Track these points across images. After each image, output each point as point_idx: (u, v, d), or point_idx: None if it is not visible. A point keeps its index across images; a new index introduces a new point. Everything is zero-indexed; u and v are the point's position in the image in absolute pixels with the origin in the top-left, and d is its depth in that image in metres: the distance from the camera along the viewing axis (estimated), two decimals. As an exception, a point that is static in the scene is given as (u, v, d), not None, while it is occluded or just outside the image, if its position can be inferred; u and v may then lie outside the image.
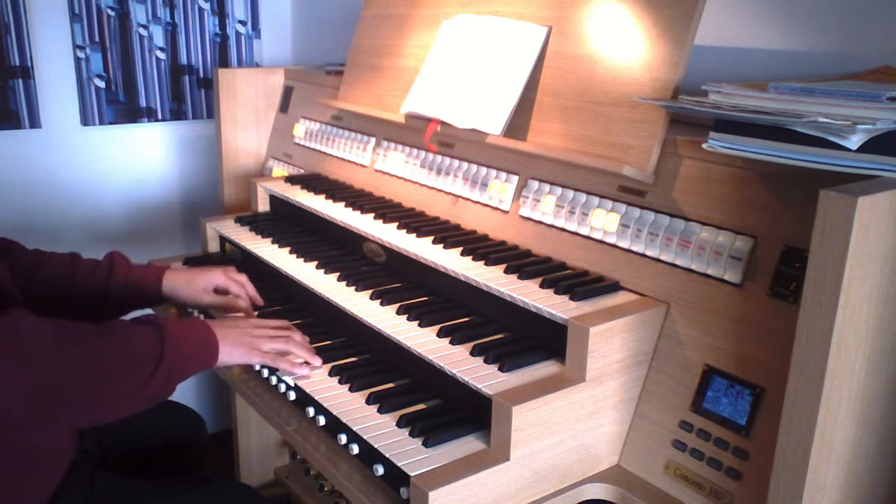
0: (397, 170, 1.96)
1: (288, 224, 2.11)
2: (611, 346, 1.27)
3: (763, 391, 1.19)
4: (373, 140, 2.08)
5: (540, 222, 1.58)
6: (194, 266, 2.03)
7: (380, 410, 1.35)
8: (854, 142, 1.03)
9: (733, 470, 1.21)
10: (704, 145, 1.19)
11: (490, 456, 1.21)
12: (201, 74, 2.76)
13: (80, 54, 2.50)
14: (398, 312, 1.52)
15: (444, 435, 1.26)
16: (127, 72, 2.60)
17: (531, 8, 1.66)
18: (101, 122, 2.59)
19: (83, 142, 2.60)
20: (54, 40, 2.46)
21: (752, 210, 1.24)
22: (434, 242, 1.64)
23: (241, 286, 1.73)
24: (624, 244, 1.41)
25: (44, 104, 2.48)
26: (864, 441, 1.12)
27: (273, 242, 1.95)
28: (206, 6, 2.71)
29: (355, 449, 1.30)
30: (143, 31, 2.60)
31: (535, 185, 1.60)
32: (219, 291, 1.73)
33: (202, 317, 1.77)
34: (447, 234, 1.67)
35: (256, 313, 1.72)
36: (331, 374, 1.48)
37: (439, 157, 1.84)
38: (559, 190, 1.55)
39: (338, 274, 1.71)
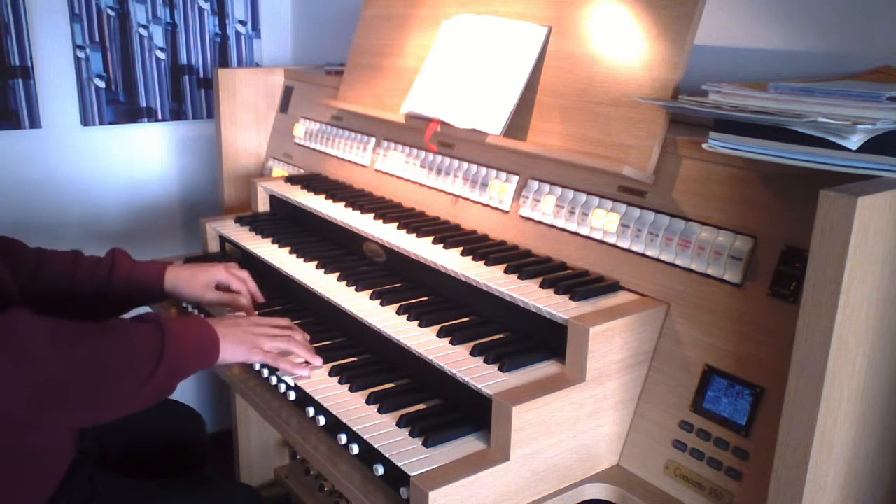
0: (397, 170, 1.96)
1: (288, 224, 2.11)
2: (611, 346, 1.27)
3: (763, 391, 1.19)
4: (373, 140, 2.08)
5: (540, 222, 1.58)
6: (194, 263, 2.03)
7: (380, 410, 1.35)
8: (854, 142, 1.03)
9: (733, 470, 1.21)
10: (704, 145, 1.19)
11: (490, 456, 1.21)
12: (201, 74, 2.76)
13: (80, 54, 2.50)
14: (398, 312, 1.52)
15: (444, 435, 1.26)
16: (127, 72, 2.60)
17: (531, 8, 1.66)
18: (101, 122, 2.59)
19: (83, 142, 2.60)
20: (54, 40, 2.46)
21: (752, 210, 1.24)
22: (434, 242, 1.64)
23: (242, 282, 1.73)
24: (624, 244, 1.41)
25: (44, 104, 2.48)
26: (864, 441, 1.12)
27: (273, 242, 1.95)
28: (206, 6, 2.71)
29: (355, 449, 1.30)
30: (143, 31, 2.60)
31: (535, 185, 1.60)
32: (220, 288, 1.73)
33: (202, 315, 1.77)
34: (447, 234, 1.67)
35: (256, 312, 1.72)
36: (331, 374, 1.48)
37: (439, 157, 1.84)
38: (559, 190, 1.55)
39: (338, 274, 1.71)
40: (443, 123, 1.73)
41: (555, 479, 1.27)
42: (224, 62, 2.80)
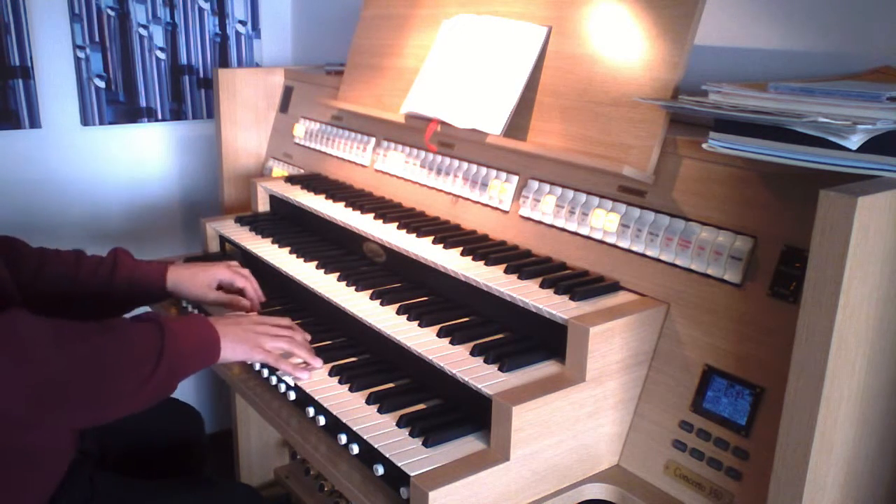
0: (397, 170, 1.96)
1: (288, 224, 2.11)
2: (611, 346, 1.27)
3: (763, 391, 1.19)
4: (373, 140, 2.08)
5: (540, 222, 1.58)
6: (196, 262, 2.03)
7: (380, 410, 1.35)
8: (854, 142, 1.03)
9: (733, 470, 1.21)
10: (704, 145, 1.19)
11: (490, 456, 1.21)
12: (201, 74, 2.76)
13: (80, 54, 2.50)
14: (398, 312, 1.52)
15: (444, 435, 1.26)
16: (127, 72, 2.60)
17: (531, 8, 1.66)
18: (101, 122, 2.59)
19: (83, 142, 2.60)
20: (54, 40, 2.46)
21: (752, 210, 1.24)
22: (434, 242, 1.64)
23: (246, 279, 1.74)
24: (624, 244, 1.41)
25: (44, 104, 2.48)
26: (864, 441, 1.12)
27: (273, 242, 1.95)
28: (206, 6, 2.71)
29: (355, 449, 1.30)
30: (143, 31, 2.60)
31: (535, 185, 1.60)
32: (222, 287, 1.73)
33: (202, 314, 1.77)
34: (447, 234, 1.67)
35: (254, 312, 1.72)
36: (331, 374, 1.48)
37: (439, 157, 1.84)
38: (559, 190, 1.55)
39: (338, 274, 1.71)
40: (443, 123, 1.73)
41: (555, 479, 1.27)
42: (224, 62, 2.80)
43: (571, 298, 1.35)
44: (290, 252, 1.87)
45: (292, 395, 1.47)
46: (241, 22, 2.81)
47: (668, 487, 1.28)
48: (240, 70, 2.50)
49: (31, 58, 2.40)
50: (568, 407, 1.24)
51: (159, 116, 2.70)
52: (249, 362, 1.57)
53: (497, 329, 1.46)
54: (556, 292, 1.38)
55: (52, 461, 1.36)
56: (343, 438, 1.32)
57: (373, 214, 1.83)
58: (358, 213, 1.86)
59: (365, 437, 1.27)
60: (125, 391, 1.25)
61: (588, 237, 1.48)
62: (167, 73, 2.68)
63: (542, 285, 1.41)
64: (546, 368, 1.31)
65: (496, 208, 1.68)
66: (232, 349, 1.40)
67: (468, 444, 1.25)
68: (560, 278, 1.42)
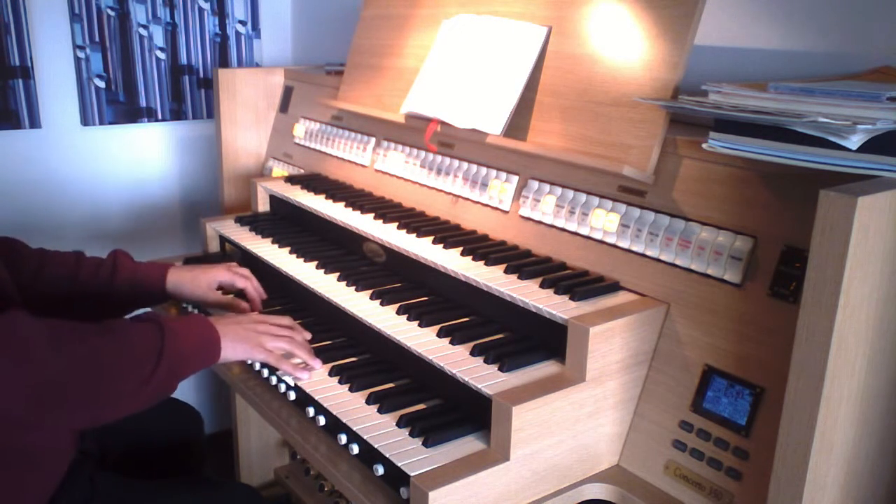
0: (397, 170, 1.96)
1: (288, 224, 2.11)
2: (611, 346, 1.27)
3: (763, 391, 1.19)
4: (373, 140, 2.08)
5: (540, 222, 1.58)
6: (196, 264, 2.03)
7: (380, 410, 1.35)
8: (854, 142, 1.03)
9: (733, 470, 1.21)
10: (704, 145, 1.19)
11: (490, 456, 1.21)
12: (201, 74, 2.76)
13: (80, 54, 2.50)
14: (398, 312, 1.52)
15: (444, 435, 1.26)
16: (127, 72, 2.60)
17: (531, 8, 1.66)
18: (101, 122, 2.59)
19: (83, 142, 2.60)
20: (54, 40, 2.46)
21: (752, 210, 1.24)
22: (434, 242, 1.64)
23: (246, 279, 1.74)
24: (624, 244, 1.41)
25: (44, 104, 2.48)
26: (864, 441, 1.12)
27: (273, 242, 1.95)
28: (206, 6, 2.71)
29: (355, 449, 1.30)
30: (143, 31, 2.60)
31: (535, 185, 1.60)
32: (221, 288, 1.73)
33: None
34: (447, 234, 1.67)
35: (256, 312, 1.72)
36: (331, 374, 1.48)
37: (439, 157, 1.84)
38: (559, 190, 1.55)
39: (338, 274, 1.71)
40: (443, 123, 1.73)
41: (555, 479, 1.27)
42: (224, 62, 2.80)
43: (571, 298, 1.35)
44: (290, 252, 1.87)
45: (292, 395, 1.47)
46: (241, 22, 2.81)
47: (668, 487, 1.28)
48: (240, 70, 2.50)
49: (31, 58, 2.40)
50: (568, 407, 1.24)
51: (159, 116, 2.70)
52: (250, 362, 1.57)
53: (497, 329, 1.46)
54: (556, 292, 1.38)
55: (53, 461, 1.36)
56: (343, 438, 1.32)
57: (373, 214, 1.83)
58: (358, 213, 1.86)
59: (365, 437, 1.27)
60: (125, 391, 1.25)
61: (588, 237, 1.48)
62: (167, 73, 2.68)
63: (542, 285, 1.41)
64: (546, 368, 1.31)
65: (496, 208, 1.68)
66: (233, 349, 1.40)
67: (468, 444, 1.25)
68: (560, 278, 1.42)
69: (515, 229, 1.63)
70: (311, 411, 1.42)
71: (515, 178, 1.65)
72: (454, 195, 1.79)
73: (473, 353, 1.35)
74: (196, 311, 1.83)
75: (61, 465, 1.38)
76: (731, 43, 1.63)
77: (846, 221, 0.92)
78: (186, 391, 2.94)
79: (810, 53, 1.51)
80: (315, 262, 1.79)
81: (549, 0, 1.62)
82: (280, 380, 1.49)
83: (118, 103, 2.61)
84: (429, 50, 1.84)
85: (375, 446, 1.25)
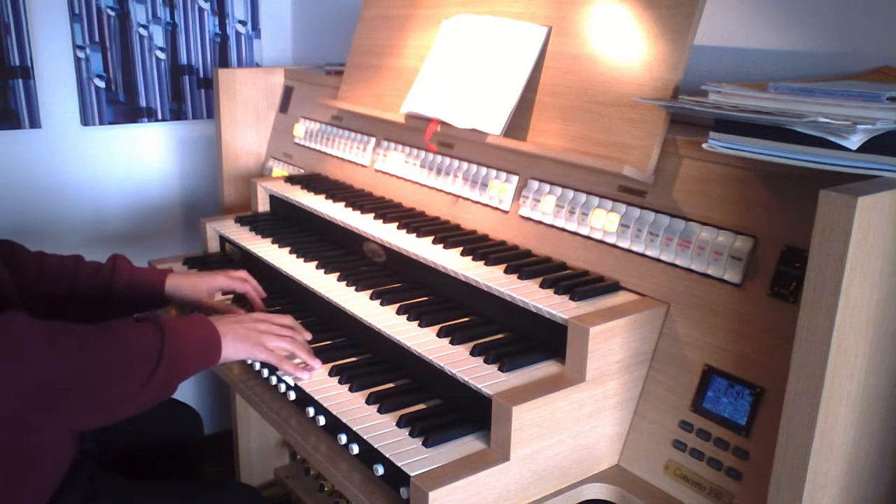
0: (397, 170, 1.96)
1: (288, 224, 2.11)
2: (611, 346, 1.27)
3: (763, 391, 1.19)
4: (373, 140, 2.08)
5: (540, 222, 1.58)
6: (195, 267, 2.04)
7: (380, 410, 1.35)
8: (854, 142, 1.03)
9: (733, 470, 1.21)
10: (704, 145, 1.19)
11: (490, 456, 1.21)
12: (201, 74, 2.76)
13: (80, 54, 2.50)
14: (398, 312, 1.52)
15: (444, 435, 1.26)
16: (127, 72, 2.60)
17: (531, 8, 1.66)
18: (101, 122, 2.59)
19: (83, 142, 2.60)
20: (54, 40, 2.46)
21: (752, 210, 1.24)
22: (434, 242, 1.64)
23: (244, 282, 1.75)
24: (624, 244, 1.41)
25: (44, 104, 2.48)
26: (864, 441, 1.12)
27: (273, 242, 1.95)
28: (206, 6, 2.71)
29: (355, 449, 1.30)
30: (143, 31, 2.60)
31: (535, 185, 1.60)
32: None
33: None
34: (447, 234, 1.67)
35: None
36: (331, 374, 1.48)
37: (439, 157, 1.84)
38: (559, 190, 1.55)
39: (338, 274, 1.71)
40: (443, 123, 1.73)
41: (555, 479, 1.27)
42: (224, 62, 2.80)
43: (571, 298, 1.35)
44: (290, 252, 1.87)
45: (292, 395, 1.47)
46: (241, 22, 2.81)
47: (668, 487, 1.28)
48: (240, 70, 2.50)
49: (31, 58, 2.40)
50: (568, 407, 1.24)
51: (159, 116, 2.70)
52: (250, 361, 1.57)
53: (497, 329, 1.46)
54: (556, 292, 1.38)
55: (53, 461, 1.36)
56: (343, 438, 1.32)
57: (373, 214, 1.83)
58: (358, 213, 1.86)
59: (365, 437, 1.27)
60: (124, 393, 1.25)
61: (588, 237, 1.48)
62: (167, 73, 2.68)
63: (542, 285, 1.41)
64: (546, 368, 1.31)
65: (496, 208, 1.68)
66: (234, 348, 1.40)
67: (468, 444, 1.25)
68: (560, 278, 1.42)
69: (515, 229, 1.63)
70: (311, 411, 1.42)
71: (515, 178, 1.65)
72: (454, 195, 1.79)
73: (473, 353, 1.35)
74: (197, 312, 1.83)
75: (62, 465, 1.38)
76: (731, 43, 1.63)
77: (846, 221, 0.92)
78: (186, 391, 2.94)
79: (810, 53, 1.51)
80: (315, 262, 1.79)
81: (549, 0, 1.62)
82: (280, 380, 1.49)
83: (118, 103, 2.61)
84: (429, 50, 1.84)
85: (375, 446, 1.25)
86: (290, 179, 2.19)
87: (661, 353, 1.33)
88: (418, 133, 1.85)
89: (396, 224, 1.76)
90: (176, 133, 2.79)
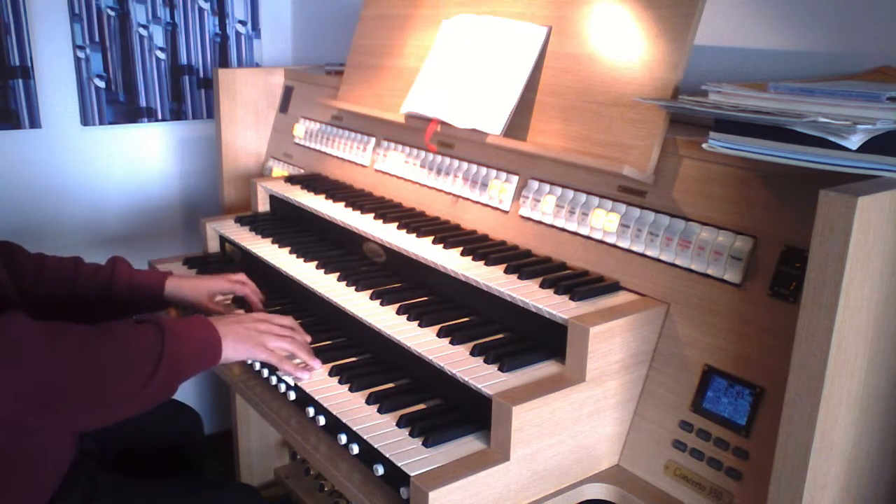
0: (397, 170, 1.96)
1: (288, 224, 2.11)
2: (611, 346, 1.27)
3: (763, 391, 1.19)
4: (373, 140, 2.08)
5: (540, 222, 1.58)
6: (195, 267, 2.04)
7: (380, 410, 1.35)
8: (854, 142, 1.03)
9: (733, 470, 1.21)
10: (704, 145, 1.19)
11: (490, 456, 1.21)
12: (201, 74, 2.76)
13: (80, 54, 2.50)
14: (398, 312, 1.52)
15: (444, 435, 1.26)
16: (127, 72, 2.60)
17: (531, 8, 1.66)
18: (101, 122, 2.59)
19: (83, 142, 2.60)
20: (54, 40, 2.46)
21: (752, 210, 1.24)
22: (434, 242, 1.64)
23: (244, 285, 1.75)
24: (624, 244, 1.41)
25: (44, 104, 2.48)
26: (864, 441, 1.12)
27: (273, 242, 1.95)
28: (206, 6, 2.71)
29: (355, 449, 1.30)
30: (143, 31, 2.60)
31: (535, 185, 1.60)
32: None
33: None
34: (447, 234, 1.67)
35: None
36: (331, 374, 1.48)
37: (439, 157, 1.84)
38: (559, 190, 1.55)
39: (338, 274, 1.71)
40: (443, 123, 1.73)
41: (555, 479, 1.27)
42: (224, 62, 2.80)
43: (571, 298, 1.35)
44: (290, 252, 1.87)
45: (292, 395, 1.47)
46: (241, 22, 2.81)
47: (668, 487, 1.28)
48: (240, 70, 2.50)
49: (31, 58, 2.40)
50: (568, 407, 1.24)
51: (159, 116, 2.70)
52: (251, 361, 1.57)
53: (497, 329, 1.46)
54: (556, 292, 1.38)
55: (53, 462, 1.36)
56: (343, 438, 1.32)
57: (373, 214, 1.83)
58: (358, 213, 1.86)
59: (365, 437, 1.27)
60: (125, 394, 1.25)
61: (588, 237, 1.48)
62: (167, 73, 2.68)
63: (542, 285, 1.41)
64: (546, 368, 1.31)
65: (496, 208, 1.68)
66: (234, 349, 1.40)
67: (468, 444, 1.25)
68: (560, 278, 1.42)
69: (515, 229, 1.63)
70: (311, 411, 1.42)
71: (515, 178, 1.65)
72: (454, 195, 1.79)
73: (473, 353, 1.35)
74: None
75: (62, 465, 1.38)
76: (731, 43, 1.63)
77: (846, 221, 0.92)
78: (186, 392, 2.94)
79: (810, 53, 1.51)
80: (315, 262, 1.79)
81: (549, 0, 1.62)
82: (280, 380, 1.49)
83: (118, 103, 2.61)
84: (429, 50, 1.84)
85: (375, 446, 1.25)
86: (290, 179, 2.19)
87: (661, 353, 1.33)
88: (418, 133, 1.85)
89: (396, 224, 1.76)
90: (176, 133, 2.79)
